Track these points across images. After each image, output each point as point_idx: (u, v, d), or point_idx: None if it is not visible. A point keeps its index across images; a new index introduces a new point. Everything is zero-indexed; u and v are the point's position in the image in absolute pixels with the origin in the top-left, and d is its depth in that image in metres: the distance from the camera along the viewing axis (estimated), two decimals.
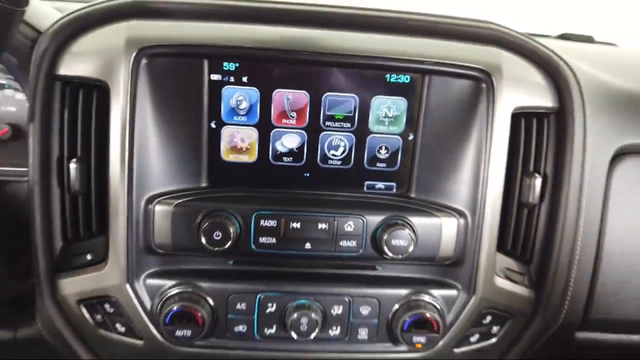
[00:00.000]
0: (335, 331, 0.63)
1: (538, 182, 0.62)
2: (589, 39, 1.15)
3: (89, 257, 0.62)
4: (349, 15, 0.61)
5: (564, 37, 1.16)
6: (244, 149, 0.61)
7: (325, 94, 0.61)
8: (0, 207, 0.69)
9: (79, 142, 0.60)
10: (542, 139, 0.64)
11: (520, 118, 0.63)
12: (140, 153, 0.58)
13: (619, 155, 0.66)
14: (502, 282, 0.63)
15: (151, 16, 0.58)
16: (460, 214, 0.62)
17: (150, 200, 0.58)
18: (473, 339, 0.66)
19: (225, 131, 0.61)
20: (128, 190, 0.58)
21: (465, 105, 0.62)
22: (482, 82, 0.59)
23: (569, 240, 0.64)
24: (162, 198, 0.59)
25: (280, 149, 0.61)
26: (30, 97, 0.59)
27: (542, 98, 0.63)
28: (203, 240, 0.58)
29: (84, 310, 0.64)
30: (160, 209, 0.58)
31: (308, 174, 0.64)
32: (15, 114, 0.72)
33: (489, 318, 0.65)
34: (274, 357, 0.64)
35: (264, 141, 0.62)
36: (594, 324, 0.69)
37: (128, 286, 0.60)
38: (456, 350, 0.67)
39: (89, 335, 0.65)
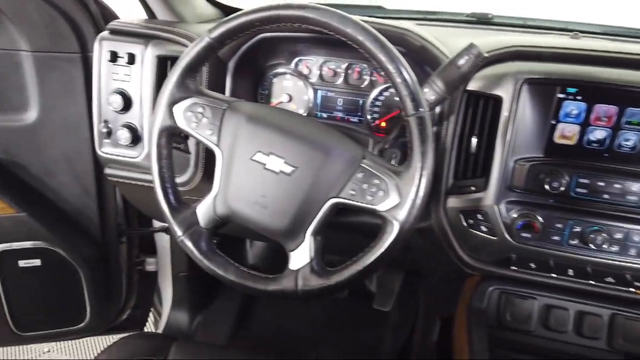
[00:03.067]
0: (615, 248, 0.99)
1: None
2: None
3: (472, 188, 1.03)
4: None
5: None
6: (569, 137, 0.99)
7: (627, 108, 0.95)
8: None
9: (477, 125, 1.03)
10: None
11: None
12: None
13: None
14: None
15: (528, 59, 1.00)
16: None
17: (515, 161, 0.99)
18: None
19: (559, 126, 0.98)
20: (504, 154, 0.99)
21: None
22: None
23: None
24: (521, 160, 0.99)
25: (591, 138, 0.97)
26: (455, 102, 1.03)
27: None
28: (546, 186, 0.97)
29: (462, 217, 1.06)
30: (518, 167, 0.99)
31: (607, 155, 0.96)
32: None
33: None
34: (573, 258, 1.03)
35: (582, 133, 0.97)
36: None
37: (495, 206, 1.01)
38: None
39: (460, 231, 1.08)
